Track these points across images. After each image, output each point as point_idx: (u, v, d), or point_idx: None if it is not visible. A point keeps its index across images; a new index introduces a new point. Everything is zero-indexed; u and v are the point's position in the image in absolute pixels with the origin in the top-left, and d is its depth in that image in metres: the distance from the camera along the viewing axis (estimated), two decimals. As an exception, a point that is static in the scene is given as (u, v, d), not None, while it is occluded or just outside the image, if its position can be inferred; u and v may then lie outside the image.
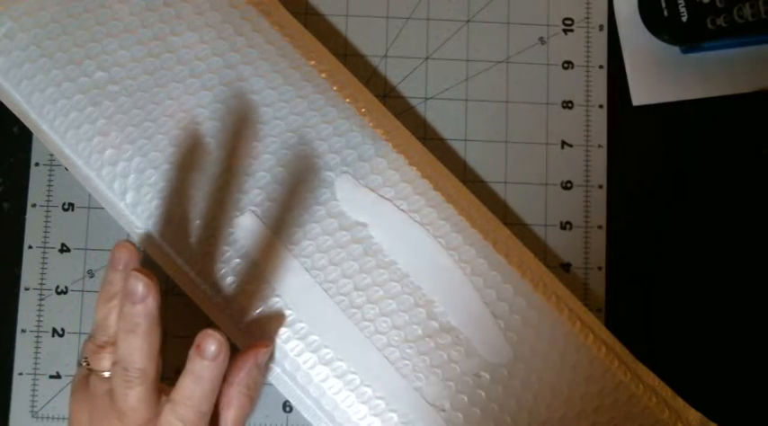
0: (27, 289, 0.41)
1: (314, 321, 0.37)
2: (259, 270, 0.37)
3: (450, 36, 0.42)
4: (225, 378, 0.34)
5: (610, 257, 0.41)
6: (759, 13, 0.39)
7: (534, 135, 0.42)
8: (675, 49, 0.42)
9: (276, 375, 0.38)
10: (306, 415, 0.38)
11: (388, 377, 0.37)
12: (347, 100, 0.39)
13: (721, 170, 0.42)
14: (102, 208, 0.39)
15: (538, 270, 0.39)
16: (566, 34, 0.43)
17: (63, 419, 0.40)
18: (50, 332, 0.40)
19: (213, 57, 0.39)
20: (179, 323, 0.39)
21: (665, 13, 0.40)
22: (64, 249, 0.41)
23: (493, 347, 0.37)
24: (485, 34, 0.42)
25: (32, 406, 0.40)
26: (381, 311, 0.37)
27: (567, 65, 0.42)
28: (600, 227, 0.41)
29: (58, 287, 0.41)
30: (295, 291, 0.37)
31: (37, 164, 0.41)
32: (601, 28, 0.43)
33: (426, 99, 0.42)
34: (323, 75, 0.39)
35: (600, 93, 0.42)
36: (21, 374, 0.40)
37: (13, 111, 0.39)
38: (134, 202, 0.38)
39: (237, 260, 0.38)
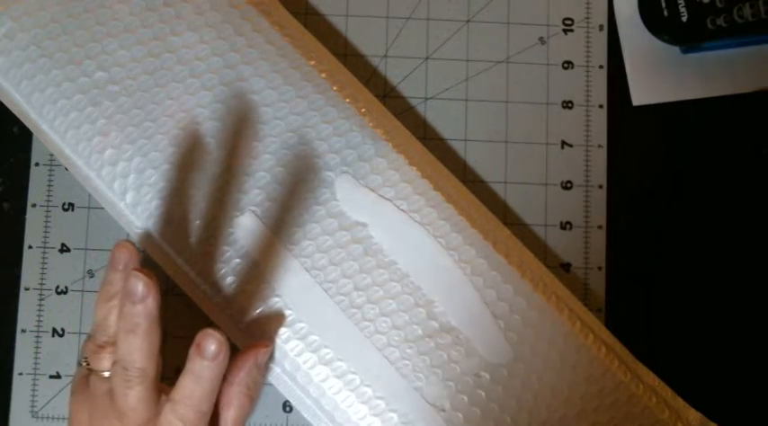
0: (27, 289, 0.41)
1: (314, 321, 0.37)
2: (259, 270, 0.37)
3: (450, 36, 0.42)
4: (225, 378, 0.34)
5: (610, 257, 0.41)
6: (759, 13, 0.39)
7: (534, 135, 0.42)
8: (675, 49, 0.42)
9: (276, 375, 0.38)
10: (306, 415, 0.38)
11: (388, 377, 0.37)
12: (347, 100, 0.39)
13: (721, 170, 0.42)
14: (102, 208, 0.39)
15: (538, 270, 0.39)
16: (566, 34, 0.43)
17: (63, 419, 0.40)
18: (50, 332, 0.40)
19: (213, 57, 0.39)
20: (179, 324, 0.39)
21: (665, 13, 0.40)
22: (64, 249, 0.41)
23: (493, 347, 0.37)
24: (485, 34, 0.42)
25: (32, 406, 0.40)
26: (381, 311, 0.37)
27: (567, 65, 0.42)
28: (600, 227, 0.41)
29: (57, 287, 0.41)
30: (295, 291, 0.37)
31: (37, 164, 0.41)
32: (601, 28, 0.43)
33: (426, 99, 0.42)
34: (323, 75, 0.39)
35: (600, 93, 0.42)
36: (21, 374, 0.40)
37: (13, 111, 0.39)
38: (134, 202, 0.38)
39: (237, 260, 0.38)
